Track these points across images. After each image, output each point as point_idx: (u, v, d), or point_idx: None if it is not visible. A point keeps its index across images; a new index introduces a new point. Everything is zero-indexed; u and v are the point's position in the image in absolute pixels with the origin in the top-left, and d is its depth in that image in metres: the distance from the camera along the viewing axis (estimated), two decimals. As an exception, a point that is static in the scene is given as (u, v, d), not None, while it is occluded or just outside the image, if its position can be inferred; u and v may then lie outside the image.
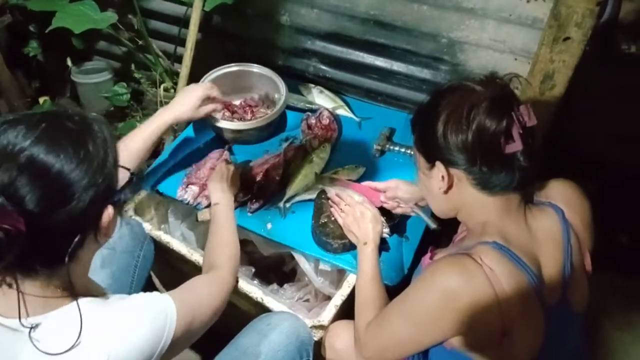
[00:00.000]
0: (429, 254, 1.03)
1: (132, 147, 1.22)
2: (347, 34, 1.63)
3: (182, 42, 1.69)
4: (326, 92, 1.73)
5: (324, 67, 1.76)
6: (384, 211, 1.28)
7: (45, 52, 2.19)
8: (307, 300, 1.43)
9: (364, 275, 1.13)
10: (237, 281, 1.25)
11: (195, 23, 1.61)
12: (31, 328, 0.72)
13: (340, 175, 1.44)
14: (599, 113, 1.82)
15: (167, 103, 1.78)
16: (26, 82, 2.27)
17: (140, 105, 2.04)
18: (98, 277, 1.21)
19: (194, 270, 1.29)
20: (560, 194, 0.96)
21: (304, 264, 1.36)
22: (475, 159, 0.85)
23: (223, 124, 1.54)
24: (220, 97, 1.40)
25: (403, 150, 1.54)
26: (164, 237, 1.36)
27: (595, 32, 1.22)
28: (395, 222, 1.31)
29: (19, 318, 0.72)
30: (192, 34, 1.62)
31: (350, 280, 1.26)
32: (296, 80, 1.75)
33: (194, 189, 1.43)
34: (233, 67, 1.67)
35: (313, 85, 1.74)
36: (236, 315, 1.29)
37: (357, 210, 1.23)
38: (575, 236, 0.93)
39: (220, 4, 1.55)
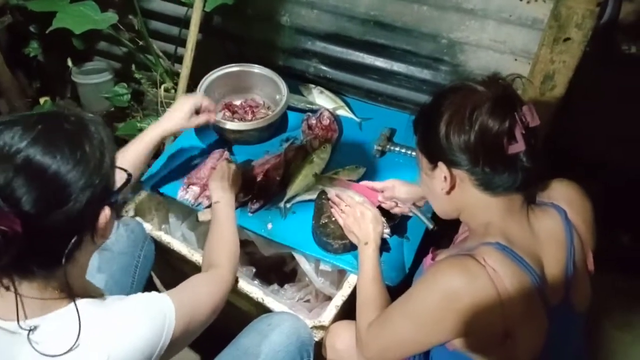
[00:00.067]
0: (430, 255, 1.02)
1: (126, 160, 1.22)
2: (347, 34, 1.63)
3: (182, 43, 1.69)
4: (327, 92, 1.73)
5: (324, 68, 1.76)
6: (384, 212, 1.28)
7: (46, 52, 2.19)
8: (308, 301, 1.43)
9: (365, 275, 1.13)
10: (237, 281, 1.25)
11: (196, 24, 1.61)
12: (30, 330, 0.72)
13: (340, 175, 1.44)
14: (599, 114, 1.82)
15: (167, 104, 1.79)
16: (27, 82, 2.27)
17: (141, 106, 2.04)
18: (98, 277, 1.22)
19: (195, 270, 1.29)
20: (563, 194, 0.96)
21: (305, 265, 1.36)
22: (478, 160, 0.85)
23: (224, 124, 1.54)
24: (213, 107, 1.40)
25: (403, 150, 1.54)
26: (165, 238, 1.36)
27: (596, 33, 1.22)
28: (396, 222, 1.31)
29: (17, 320, 0.72)
30: (192, 35, 1.62)
31: (350, 280, 1.26)
32: (297, 81, 1.75)
33: (195, 189, 1.43)
34: (234, 68, 1.68)
35: (313, 86, 1.74)
36: (237, 315, 1.29)
37: (357, 211, 1.24)
38: (578, 237, 0.93)
39: (220, 4, 1.56)
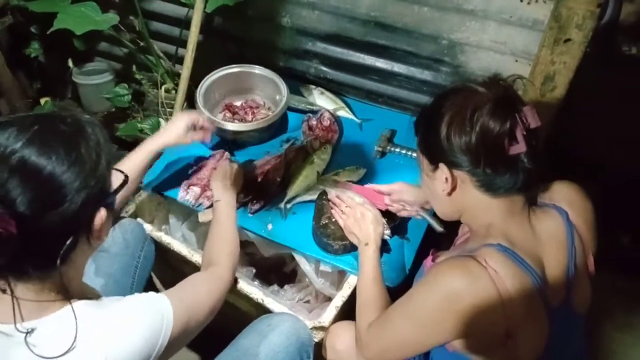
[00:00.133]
0: (430, 257, 1.02)
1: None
2: (348, 35, 1.63)
3: (183, 44, 1.70)
4: (327, 93, 1.73)
5: (324, 69, 1.76)
6: (384, 212, 1.28)
7: (47, 53, 2.19)
8: (308, 302, 1.43)
9: (365, 276, 1.13)
10: (237, 282, 1.25)
11: (197, 24, 1.61)
12: (27, 333, 0.72)
13: (341, 176, 1.44)
14: (599, 114, 1.83)
15: (168, 104, 1.79)
16: (27, 83, 2.27)
17: (142, 107, 2.04)
18: (98, 278, 1.22)
19: (195, 271, 1.28)
20: (564, 196, 0.96)
21: (305, 265, 1.36)
22: (479, 161, 0.85)
23: (224, 125, 1.54)
24: (208, 125, 1.40)
25: (404, 151, 1.54)
26: (165, 238, 1.37)
27: (596, 34, 1.22)
28: (396, 223, 1.31)
29: (14, 323, 0.72)
30: (193, 36, 1.62)
31: (350, 281, 1.26)
32: (297, 82, 1.75)
33: (195, 190, 1.43)
34: (234, 69, 1.68)
35: (314, 87, 1.74)
36: (236, 316, 1.29)
37: (357, 212, 1.24)
38: (579, 238, 0.93)
39: (221, 5, 1.56)
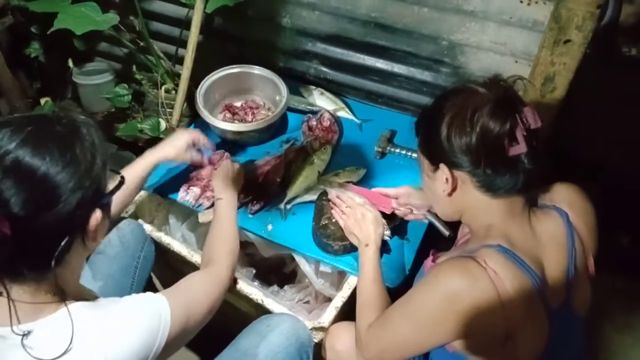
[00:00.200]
0: (431, 257, 1.02)
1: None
2: (348, 36, 1.63)
3: (183, 44, 1.69)
4: (327, 94, 1.73)
5: (324, 69, 1.76)
6: (384, 213, 1.28)
7: (47, 53, 2.19)
8: (308, 302, 1.43)
9: (365, 276, 1.13)
10: (237, 282, 1.25)
11: (197, 25, 1.61)
12: (23, 335, 0.71)
13: (341, 177, 1.44)
14: (599, 115, 1.83)
15: (168, 104, 1.79)
16: (27, 83, 2.27)
17: (142, 107, 2.04)
18: (98, 278, 1.22)
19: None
20: (565, 197, 0.96)
21: (305, 266, 1.36)
22: (479, 161, 0.85)
23: (224, 125, 1.54)
24: (207, 143, 1.44)
25: (404, 152, 1.54)
26: (165, 239, 1.37)
27: (596, 35, 1.22)
28: (397, 224, 1.31)
29: (11, 325, 0.72)
30: (193, 36, 1.62)
31: (350, 282, 1.26)
32: (297, 82, 1.75)
33: (196, 190, 1.44)
34: (234, 69, 1.68)
35: (314, 87, 1.74)
36: (236, 316, 1.29)
37: (358, 212, 1.24)
38: (579, 239, 0.93)
39: (221, 5, 1.56)
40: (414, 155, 1.53)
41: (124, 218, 1.39)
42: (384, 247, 1.27)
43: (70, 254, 0.75)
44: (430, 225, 1.26)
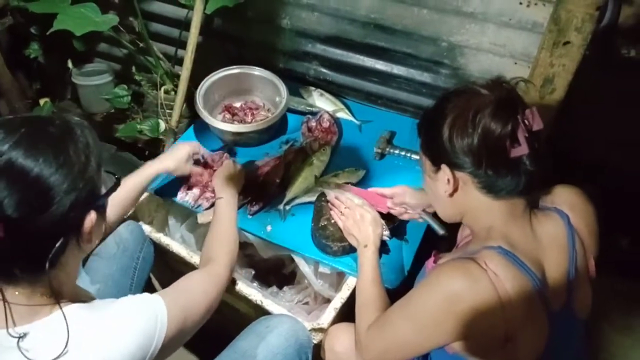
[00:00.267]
0: (432, 258, 1.02)
1: (124, 191, 1.24)
2: (348, 37, 1.63)
3: (183, 45, 1.70)
4: (326, 95, 1.73)
5: (324, 70, 1.76)
6: (383, 214, 1.28)
7: (46, 54, 2.19)
8: (307, 303, 1.43)
9: (364, 277, 1.13)
10: (236, 283, 1.25)
11: (196, 26, 1.61)
12: (19, 338, 0.71)
13: (340, 178, 1.44)
14: (598, 117, 1.83)
15: (167, 105, 1.79)
16: (27, 83, 2.27)
17: (141, 108, 2.04)
18: (97, 279, 1.22)
19: (194, 272, 1.29)
20: (566, 199, 0.96)
21: (304, 267, 1.36)
22: (481, 162, 0.85)
23: (224, 126, 1.54)
24: (207, 154, 1.47)
25: (403, 153, 1.54)
26: (164, 240, 1.36)
27: (595, 37, 1.22)
28: (396, 224, 1.31)
29: (7, 328, 0.71)
30: (193, 37, 1.62)
31: (349, 283, 1.26)
32: (297, 83, 1.75)
33: (195, 191, 1.44)
34: (234, 70, 1.68)
35: (313, 88, 1.74)
36: (235, 317, 1.29)
37: (357, 213, 1.24)
38: (580, 242, 0.93)
39: (221, 6, 1.56)
40: (413, 156, 1.53)
41: (123, 220, 1.39)
42: (383, 248, 1.27)
43: (65, 255, 0.75)
44: (429, 227, 1.26)
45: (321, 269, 1.34)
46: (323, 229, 1.31)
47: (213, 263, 1.11)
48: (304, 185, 1.42)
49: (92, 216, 0.75)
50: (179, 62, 1.74)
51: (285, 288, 1.45)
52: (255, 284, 1.37)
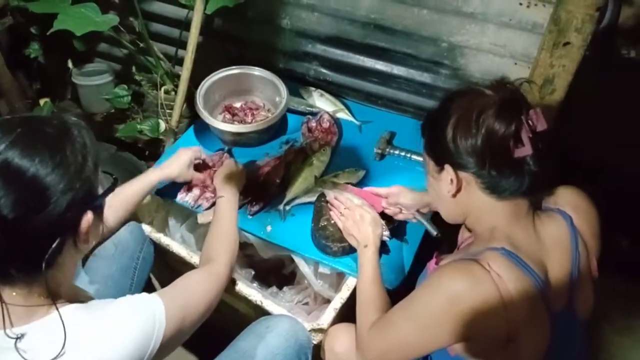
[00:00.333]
0: (434, 259, 1.02)
1: (124, 196, 1.26)
2: (348, 37, 1.63)
3: (183, 45, 1.70)
4: (327, 95, 1.73)
5: (324, 71, 1.76)
6: (383, 214, 1.28)
7: (47, 54, 2.19)
8: (307, 304, 1.43)
9: (364, 277, 1.13)
10: (236, 283, 1.25)
11: (197, 26, 1.61)
12: (17, 338, 0.71)
13: (340, 178, 1.44)
14: (598, 118, 1.83)
15: (167, 105, 1.79)
16: (27, 83, 2.27)
17: (141, 108, 2.04)
18: (97, 279, 1.22)
19: (194, 272, 1.29)
20: (569, 200, 0.96)
21: (304, 267, 1.36)
22: (484, 163, 0.85)
23: (224, 126, 1.54)
24: (209, 159, 1.47)
25: (403, 154, 1.54)
26: (164, 240, 1.36)
27: (595, 37, 1.22)
28: (395, 225, 1.31)
29: (4, 329, 0.71)
30: (193, 37, 1.62)
31: (349, 283, 1.26)
32: (297, 84, 1.75)
33: (195, 191, 1.44)
34: (234, 70, 1.68)
35: (314, 89, 1.74)
36: (235, 318, 1.29)
37: (356, 214, 1.24)
38: (583, 243, 0.93)
39: (221, 7, 1.56)
40: (413, 157, 1.53)
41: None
42: (383, 248, 1.27)
43: (61, 256, 0.75)
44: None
45: (321, 269, 1.34)
46: (323, 230, 1.31)
47: (213, 262, 1.11)
48: (304, 185, 1.42)
49: (89, 216, 0.75)
50: (179, 62, 1.74)
51: (285, 288, 1.45)
52: (255, 284, 1.37)
